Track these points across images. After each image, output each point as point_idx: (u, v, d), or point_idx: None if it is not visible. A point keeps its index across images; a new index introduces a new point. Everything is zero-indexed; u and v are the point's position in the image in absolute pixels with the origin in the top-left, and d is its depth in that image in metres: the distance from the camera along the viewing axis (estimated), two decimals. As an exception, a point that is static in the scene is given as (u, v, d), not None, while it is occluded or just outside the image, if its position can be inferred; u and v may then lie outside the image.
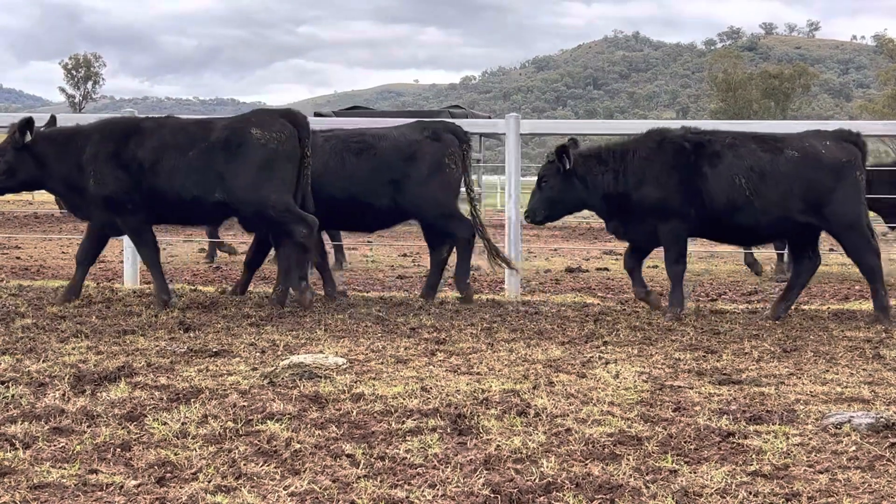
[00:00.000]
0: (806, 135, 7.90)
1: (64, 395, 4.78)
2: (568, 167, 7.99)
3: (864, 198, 7.72)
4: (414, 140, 8.46)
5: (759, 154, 7.64)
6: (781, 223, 7.69)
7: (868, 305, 8.12)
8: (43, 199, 26.34)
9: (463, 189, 8.60)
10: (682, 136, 7.86)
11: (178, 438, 4.08)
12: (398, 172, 8.35)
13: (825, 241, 11.41)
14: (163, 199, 7.79)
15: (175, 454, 3.85)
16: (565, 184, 8.05)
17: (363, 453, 3.90)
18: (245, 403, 4.63)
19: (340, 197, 8.34)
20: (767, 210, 7.60)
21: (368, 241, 13.68)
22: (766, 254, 12.08)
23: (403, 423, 4.34)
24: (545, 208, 8.22)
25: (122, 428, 4.23)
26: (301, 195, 7.83)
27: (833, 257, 12.45)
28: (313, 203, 7.89)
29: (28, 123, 7.84)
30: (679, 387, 5.17)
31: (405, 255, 14.11)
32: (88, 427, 4.24)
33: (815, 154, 7.61)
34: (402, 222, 9.04)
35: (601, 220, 8.53)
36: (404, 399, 4.76)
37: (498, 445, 4.01)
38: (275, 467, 3.73)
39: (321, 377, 5.19)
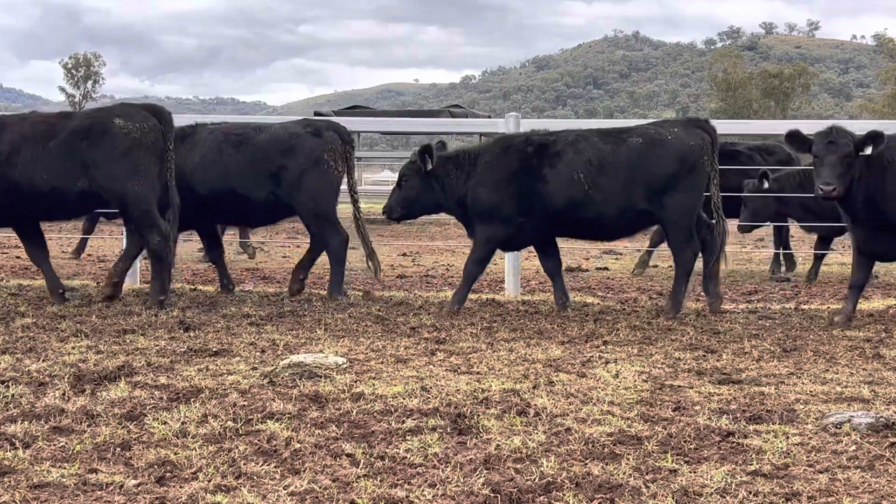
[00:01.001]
0: (655, 123, 8.05)
1: (64, 394, 4.78)
2: (429, 168, 8.04)
3: (708, 186, 7.78)
4: (294, 134, 8.49)
5: (600, 147, 7.74)
6: (626, 213, 7.75)
7: (868, 305, 8.12)
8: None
9: (347, 189, 8.65)
10: (525, 141, 7.95)
11: (178, 438, 4.08)
12: (275, 165, 8.39)
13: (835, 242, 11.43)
14: (21, 192, 7.83)
15: (175, 454, 3.85)
16: (424, 184, 8.12)
17: (363, 453, 3.90)
18: (245, 403, 4.63)
19: (220, 190, 8.42)
20: (608, 201, 7.69)
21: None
22: (764, 253, 12.08)
23: (403, 422, 4.34)
24: (402, 207, 8.29)
25: (122, 427, 4.23)
26: (164, 188, 7.88)
27: (833, 257, 12.45)
28: (178, 198, 7.95)
29: None
30: (679, 386, 5.17)
31: (405, 254, 14.11)
32: (88, 426, 4.24)
33: (662, 140, 7.68)
34: (285, 217, 9.03)
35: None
36: (404, 398, 4.76)
37: (498, 445, 4.01)
38: (275, 467, 3.73)
39: (321, 377, 5.19)
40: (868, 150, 7.00)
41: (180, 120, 8.77)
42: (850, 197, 7.12)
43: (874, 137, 7.00)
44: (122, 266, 8.23)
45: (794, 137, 7.40)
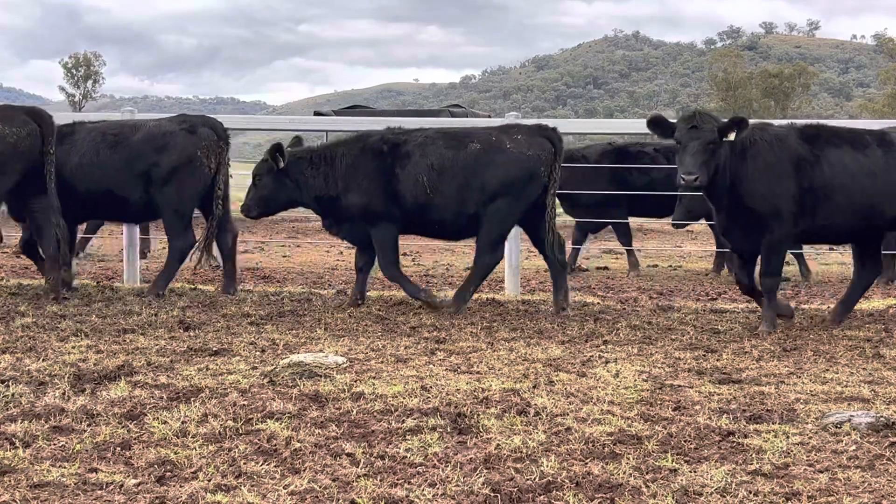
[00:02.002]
0: (498, 128, 8.10)
1: (64, 393, 4.78)
2: (281, 166, 8.06)
3: (545, 195, 7.81)
4: (168, 132, 8.50)
5: (442, 150, 7.83)
6: (463, 216, 7.84)
7: (868, 305, 8.12)
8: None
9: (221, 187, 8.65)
10: (380, 140, 8.02)
11: (178, 437, 4.08)
12: (148, 163, 8.41)
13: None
14: None
15: (175, 453, 3.85)
16: (278, 182, 8.12)
17: (363, 452, 3.90)
18: (245, 402, 4.63)
19: (97, 190, 8.47)
20: (447, 205, 7.80)
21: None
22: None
23: (403, 422, 4.34)
24: (257, 205, 8.28)
25: (122, 427, 4.23)
26: (44, 191, 7.95)
27: (833, 256, 12.45)
28: (58, 201, 8.04)
29: None
30: (679, 386, 5.17)
31: (405, 254, 14.10)
32: (88, 426, 4.24)
33: (500, 147, 7.72)
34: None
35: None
36: (404, 398, 4.76)
37: (498, 444, 4.01)
38: (275, 466, 3.73)
39: (321, 376, 5.19)
40: (732, 136, 6.82)
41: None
42: (714, 185, 6.93)
43: (738, 123, 6.87)
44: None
45: (657, 123, 7.18)
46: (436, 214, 7.84)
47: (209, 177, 8.49)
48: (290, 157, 8.06)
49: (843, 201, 6.99)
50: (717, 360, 5.94)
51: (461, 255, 13.22)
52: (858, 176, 6.98)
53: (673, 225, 11.72)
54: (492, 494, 3.44)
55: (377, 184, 7.87)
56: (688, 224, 12.09)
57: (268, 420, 4.34)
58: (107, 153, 8.44)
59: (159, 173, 8.37)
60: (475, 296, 8.61)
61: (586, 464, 3.79)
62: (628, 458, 3.85)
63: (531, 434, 4.17)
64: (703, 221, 11.72)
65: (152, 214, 8.97)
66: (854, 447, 4.03)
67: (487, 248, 7.82)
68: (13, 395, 4.73)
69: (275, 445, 3.98)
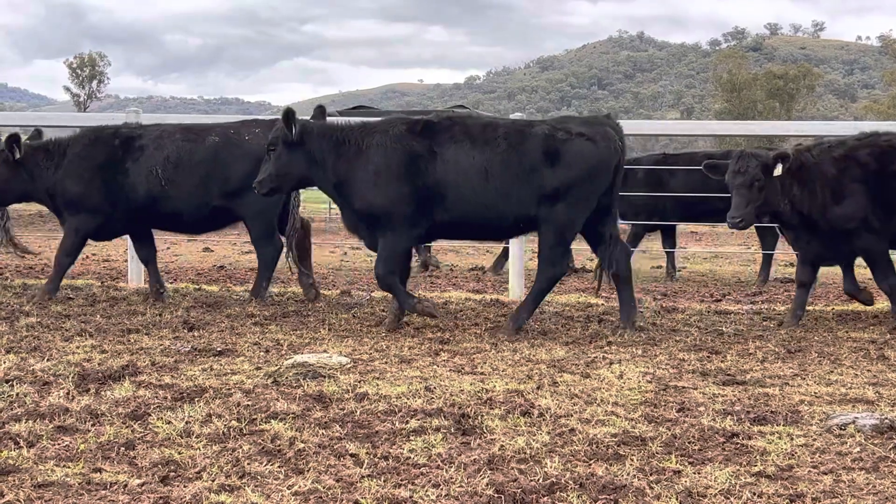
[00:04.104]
0: (239, 123, 8.25)
1: (68, 393, 4.79)
2: (17, 157, 8.06)
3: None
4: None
5: (180, 144, 7.96)
6: (202, 209, 7.99)
7: (873, 307, 8.10)
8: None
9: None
10: (114, 134, 8.10)
11: (182, 437, 4.08)
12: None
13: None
14: None
15: (179, 453, 3.85)
16: (12, 173, 8.12)
17: (367, 453, 3.90)
18: (249, 403, 4.64)
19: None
20: (184, 198, 7.93)
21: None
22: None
23: (407, 422, 4.33)
24: None
25: (127, 427, 4.23)
26: None
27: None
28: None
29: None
30: (683, 387, 5.16)
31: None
32: (92, 426, 4.24)
33: (238, 142, 7.83)
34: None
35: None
36: (408, 399, 4.76)
37: (502, 445, 4.01)
38: (279, 466, 3.73)
39: (325, 376, 5.19)
40: (778, 171, 7.09)
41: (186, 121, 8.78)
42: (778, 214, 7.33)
43: (782, 158, 7.10)
44: None
45: (715, 167, 7.44)
46: (172, 206, 8.00)
47: None
48: (27, 149, 8.10)
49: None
50: (722, 361, 5.94)
51: (464, 255, 13.22)
52: None
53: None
54: (495, 495, 3.44)
55: (102, 176, 7.99)
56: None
57: (272, 420, 4.34)
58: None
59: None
60: (478, 297, 8.61)
61: (590, 465, 3.79)
62: (632, 460, 3.85)
63: (535, 435, 4.17)
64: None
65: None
66: (858, 449, 4.02)
67: (263, 239, 8.12)
68: (17, 394, 4.74)
69: (279, 446, 3.98)
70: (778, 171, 7.08)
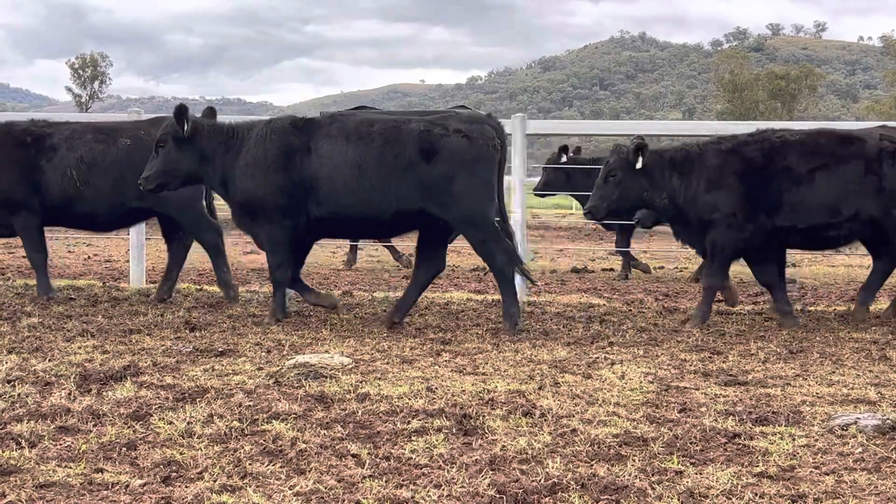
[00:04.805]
0: (146, 122, 8.33)
1: (70, 394, 4.79)
2: None
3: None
4: None
5: (92, 145, 8.01)
6: (119, 209, 8.07)
7: (874, 307, 8.10)
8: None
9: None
10: (24, 130, 8.13)
11: (183, 438, 4.08)
12: None
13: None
14: None
15: (181, 453, 3.85)
16: None
17: (368, 453, 3.90)
18: (250, 403, 4.64)
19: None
20: (100, 198, 7.99)
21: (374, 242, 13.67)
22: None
23: (409, 423, 4.33)
24: None
25: (128, 427, 4.23)
26: None
27: (840, 259, 12.43)
28: None
29: None
30: (685, 388, 5.16)
31: (409, 255, 14.09)
32: (94, 426, 4.24)
33: (148, 142, 7.80)
34: None
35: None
36: (410, 399, 4.76)
37: (503, 446, 4.01)
38: (280, 467, 3.73)
39: (326, 377, 5.19)
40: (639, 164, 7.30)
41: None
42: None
43: (639, 149, 7.31)
44: None
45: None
46: (87, 207, 8.06)
47: None
48: None
49: None
50: (723, 361, 5.94)
51: (467, 256, 13.21)
52: None
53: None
54: (497, 496, 3.43)
55: (18, 173, 8.03)
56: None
57: (273, 421, 4.34)
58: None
59: None
60: (480, 297, 8.61)
61: (592, 465, 3.78)
62: (634, 460, 3.85)
63: (537, 435, 4.17)
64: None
65: None
66: (860, 449, 4.02)
67: (205, 229, 8.29)
68: (19, 395, 4.74)
69: (280, 446, 3.98)
70: (639, 164, 7.27)
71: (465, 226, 6.94)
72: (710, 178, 7.21)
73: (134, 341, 6.29)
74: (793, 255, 11.70)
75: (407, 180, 6.85)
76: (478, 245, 6.99)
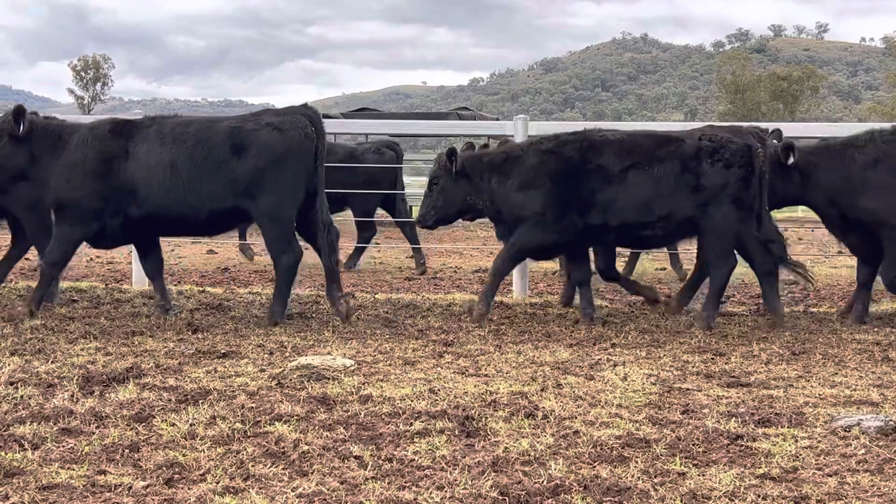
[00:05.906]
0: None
1: (73, 395, 4.79)
2: None
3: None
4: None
5: None
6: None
7: (877, 308, 8.09)
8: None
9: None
10: None
11: (186, 439, 4.08)
12: None
13: (833, 244, 11.39)
14: None
15: (183, 455, 3.86)
16: None
17: (371, 455, 3.90)
18: (253, 405, 4.64)
19: None
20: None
21: (376, 244, 13.68)
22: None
23: (411, 424, 4.34)
24: None
25: (131, 429, 4.24)
26: None
27: (842, 260, 12.42)
28: None
29: None
30: (687, 389, 5.16)
31: (411, 256, 14.09)
32: (97, 428, 4.25)
33: None
34: None
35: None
36: (412, 401, 4.76)
37: (506, 447, 4.01)
38: (283, 468, 3.74)
39: (329, 379, 5.20)
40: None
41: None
42: None
43: (449, 155, 7.49)
44: None
45: None
46: None
47: None
48: None
49: None
50: (726, 363, 5.93)
51: (469, 258, 13.22)
52: None
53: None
54: (500, 497, 3.44)
55: None
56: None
57: (276, 422, 4.34)
58: None
59: None
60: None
61: (594, 467, 3.79)
62: (636, 462, 3.85)
63: (539, 437, 4.17)
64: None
65: None
66: (863, 451, 4.01)
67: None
68: (22, 396, 4.75)
69: (283, 448, 3.98)
70: (453, 168, 7.42)
71: (265, 220, 7.09)
72: (523, 178, 7.26)
73: (136, 343, 6.29)
74: (792, 255, 11.69)
75: (219, 178, 7.00)
76: (270, 241, 7.14)
